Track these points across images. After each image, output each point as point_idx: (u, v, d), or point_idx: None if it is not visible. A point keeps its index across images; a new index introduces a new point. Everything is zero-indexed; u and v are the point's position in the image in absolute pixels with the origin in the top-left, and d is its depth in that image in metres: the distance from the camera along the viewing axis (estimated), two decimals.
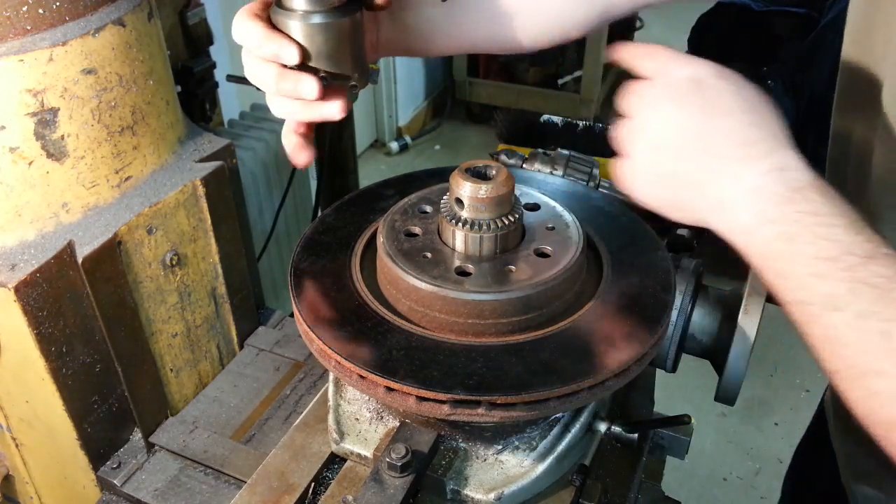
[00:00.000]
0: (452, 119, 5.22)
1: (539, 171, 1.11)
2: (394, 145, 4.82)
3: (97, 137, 0.91)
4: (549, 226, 0.85)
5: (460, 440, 0.82)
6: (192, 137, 1.10)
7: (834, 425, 1.15)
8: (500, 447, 0.82)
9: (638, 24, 5.41)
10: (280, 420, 1.09)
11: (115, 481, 1.00)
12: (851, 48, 0.91)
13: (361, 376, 0.73)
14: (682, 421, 0.89)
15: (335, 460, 0.88)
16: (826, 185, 0.65)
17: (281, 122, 0.88)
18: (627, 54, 0.75)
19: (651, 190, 0.72)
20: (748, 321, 0.88)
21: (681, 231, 1.18)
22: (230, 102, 2.66)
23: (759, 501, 2.56)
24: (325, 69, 0.83)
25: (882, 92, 0.84)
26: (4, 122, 0.84)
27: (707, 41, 3.48)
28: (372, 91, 4.62)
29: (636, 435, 0.88)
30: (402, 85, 4.72)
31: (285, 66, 0.80)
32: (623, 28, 5.20)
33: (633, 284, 0.82)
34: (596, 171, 1.12)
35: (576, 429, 0.83)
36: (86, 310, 0.92)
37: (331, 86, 0.81)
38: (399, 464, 0.74)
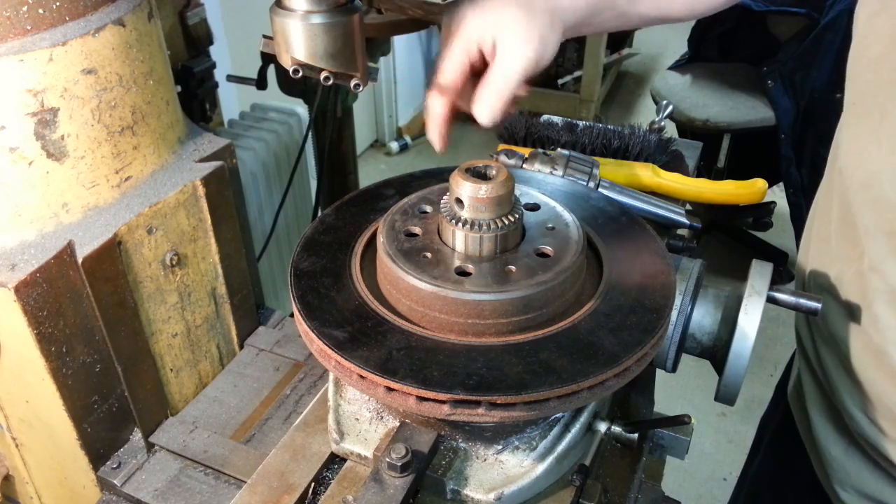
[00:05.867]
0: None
1: (539, 171, 1.11)
2: (394, 145, 4.82)
3: (97, 137, 0.91)
4: (549, 226, 0.85)
5: (460, 440, 0.82)
6: (192, 137, 1.09)
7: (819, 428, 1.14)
8: (500, 447, 0.82)
9: None
10: (280, 420, 1.09)
11: (115, 481, 1.00)
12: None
13: (361, 376, 0.73)
14: (682, 421, 0.89)
15: (335, 460, 0.88)
16: None
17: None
18: None
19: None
20: (748, 321, 0.88)
21: (681, 231, 1.18)
22: (230, 102, 2.66)
23: None
24: (327, 68, 0.83)
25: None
26: (4, 122, 0.84)
27: (707, 41, 3.48)
28: (372, 91, 4.62)
29: (636, 435, 0.89)
30: (402, 85, 4.72)
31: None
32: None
33: (632, 284, 0.82)
34: (596, 171, 1.12)
35: (576, 429, 0.83)
36: (86, 310, 0.92)
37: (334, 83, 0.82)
38: (399, 464, 0.74)
